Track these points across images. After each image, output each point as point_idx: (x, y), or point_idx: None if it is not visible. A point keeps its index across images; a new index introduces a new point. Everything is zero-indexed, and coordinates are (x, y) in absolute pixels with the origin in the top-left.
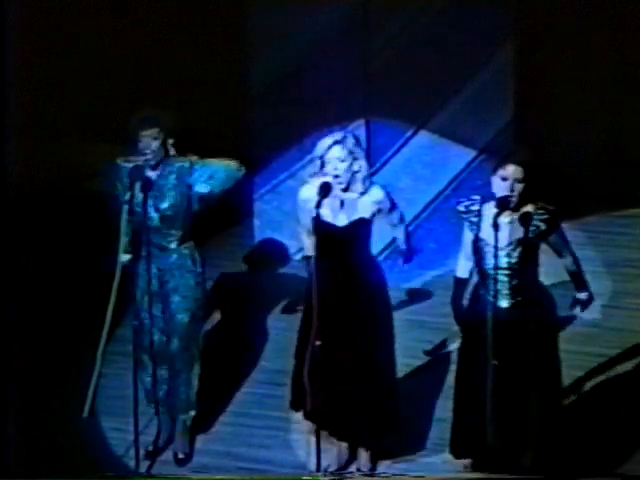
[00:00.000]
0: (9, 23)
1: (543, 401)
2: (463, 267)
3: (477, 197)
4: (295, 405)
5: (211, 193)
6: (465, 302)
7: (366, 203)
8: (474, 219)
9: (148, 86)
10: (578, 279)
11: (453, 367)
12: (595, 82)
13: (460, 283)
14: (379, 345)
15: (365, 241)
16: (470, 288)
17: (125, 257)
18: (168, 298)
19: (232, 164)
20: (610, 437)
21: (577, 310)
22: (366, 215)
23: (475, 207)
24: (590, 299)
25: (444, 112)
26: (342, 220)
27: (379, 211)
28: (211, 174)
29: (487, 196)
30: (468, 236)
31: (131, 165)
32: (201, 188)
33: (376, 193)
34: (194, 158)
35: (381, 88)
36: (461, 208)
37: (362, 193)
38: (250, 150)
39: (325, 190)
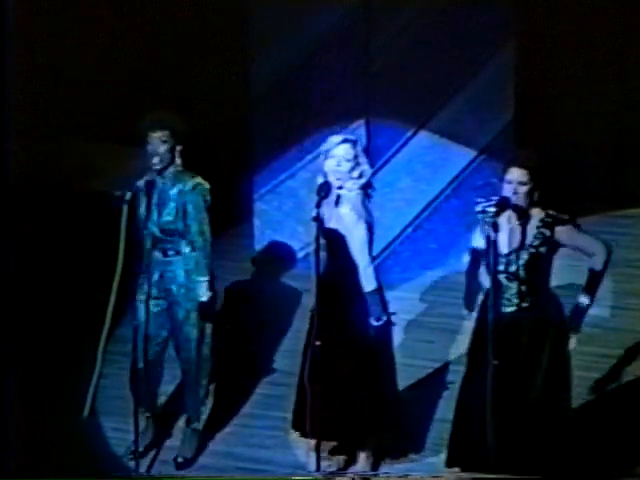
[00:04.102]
0: (9, 23)
1: (552, 405)
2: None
3: (495, 198)
4: (297, 426)
5: None
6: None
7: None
8: (489, 220)
9: (148, 86)
10: (593, 282)
11: (454, 368)
12: (595, 82)
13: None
14: (376, 349)
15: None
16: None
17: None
18: (168, 303)
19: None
20: (619, 439)
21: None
22: (348, 225)
23: (492, 209)
24: (588, 307)
25: (444, 112)
26: (333, 220)
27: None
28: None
29: (504, 203)
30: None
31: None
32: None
33: (345, 209)
34: (198, 180)
35: (381, 88)
36: (479, 208)
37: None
38: (250, 150)
39: (325, 190)
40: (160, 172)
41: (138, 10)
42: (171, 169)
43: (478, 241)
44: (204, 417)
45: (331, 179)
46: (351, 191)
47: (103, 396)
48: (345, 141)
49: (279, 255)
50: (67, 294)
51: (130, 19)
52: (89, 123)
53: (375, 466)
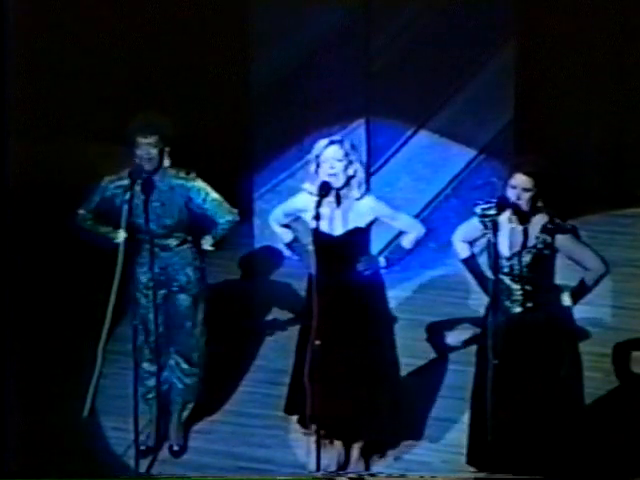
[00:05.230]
0: (9, 23)
1: (565, 405)
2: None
3: (494, 200)
4: (290, 410)
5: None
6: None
7: (361, 210)
8: (489, 223)
9: (148, 86)
10: (581, 291)
11: (453, 367)
12: (595, 82)
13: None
14: (379, 350)
15: (362, 249)
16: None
17: (121, 235)
18: (170, 295)
19: (227, 211)
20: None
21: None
22: (361, 224)
23: (492, 212)
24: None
25: (444, 112)
26: (338, 225)
27: (376, 220)
28: (205, 201)
29: (504, 203)
30: (477, 227)
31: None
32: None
33: (370, 201)
34: (192, 176)
35: (381, 88)
36: (477, 211)
37: (357, 199)
38: (250, 150)
39: (325, 190)
40: (151, 173)
41: (138, 10)
42: (162, 169)
43: (473, 233)
44: (190, 405)
45: (329, 180)
46: (351, 192)
47: (103, 396)
48: (331, 143)
49: (277, 254)
50: (67, 294)
51: (130, 19)
52: (89, 123)
53: (369, 463)
